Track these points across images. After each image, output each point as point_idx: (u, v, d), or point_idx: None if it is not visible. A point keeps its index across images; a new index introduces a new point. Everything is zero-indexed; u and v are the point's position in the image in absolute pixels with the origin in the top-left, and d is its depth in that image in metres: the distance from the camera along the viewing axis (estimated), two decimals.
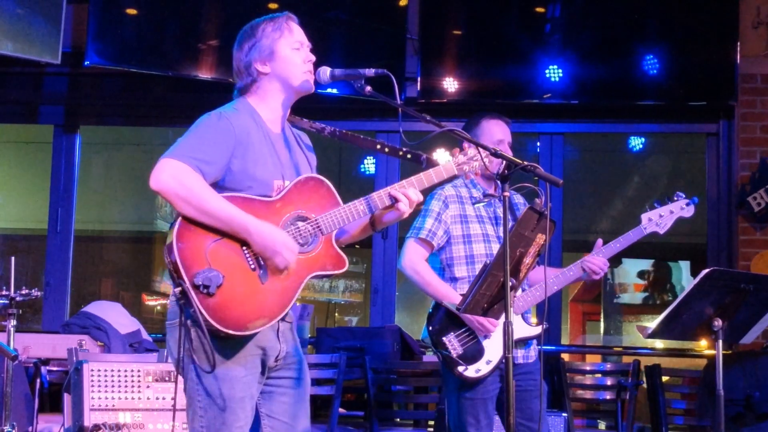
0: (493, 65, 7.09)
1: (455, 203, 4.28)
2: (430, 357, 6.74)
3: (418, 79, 6.92)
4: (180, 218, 3.04)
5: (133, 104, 7.48)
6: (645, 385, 6.00)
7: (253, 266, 3.08)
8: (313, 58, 3.30)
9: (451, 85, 6.96)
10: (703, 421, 5.75)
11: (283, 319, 3.22)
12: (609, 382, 5.90)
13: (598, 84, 6.95)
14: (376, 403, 5.83)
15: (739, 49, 6.74)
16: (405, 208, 3.24)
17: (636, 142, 7.78)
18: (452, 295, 4.17)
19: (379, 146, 3.42)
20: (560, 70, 6.89)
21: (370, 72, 3.23)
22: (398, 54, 6.94)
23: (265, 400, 3.24)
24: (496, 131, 4.34)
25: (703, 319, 4.00)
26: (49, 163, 7.36)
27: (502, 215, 4.33)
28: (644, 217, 4.35)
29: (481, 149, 3.31)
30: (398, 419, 6.26)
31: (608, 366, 6.31)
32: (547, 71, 6.90)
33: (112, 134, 9.49)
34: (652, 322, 4.10)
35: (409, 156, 3.34)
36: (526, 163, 3.19)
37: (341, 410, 6.00)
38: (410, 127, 6.13)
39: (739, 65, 6.73)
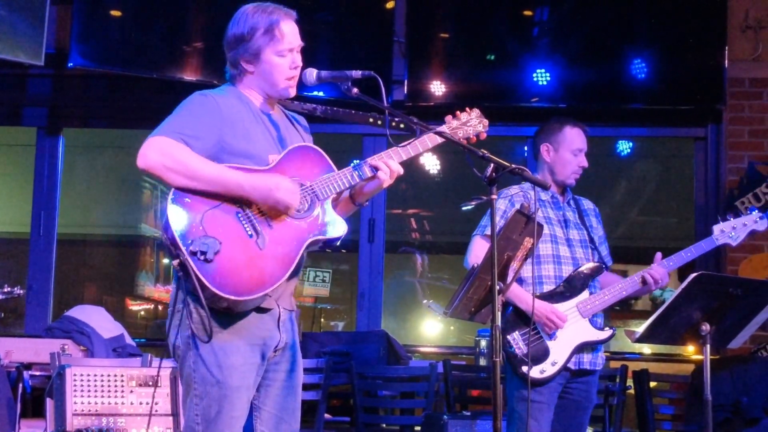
0: (481, 68, 7.10)
1: (521, 203, 4.24)
2: (416, 362, 6.74)
3: (405, 81, 6.92)
4: (172, 191, 3.03)
5: (117, 106, 7.46)
6: (633, 391, 6.01)
7: (250, 233, 3.07)
8: (300, 63, 3.29)
9: (438, 88, 6.96)
10: (690, 427, 5.76)
11: (285, 308, 3.22)
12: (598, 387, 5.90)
13: (586, 88, 6.97)
14: (362, 409, 5.82)
15: (727, 53, 6.77)
16: (384, 177, 3.22)
17: (624, 146, 7.80)
18: (520, 293, 4.17)
19: (371, 119, 3.41)
20: (548, 74, 6.91)
21: (357, 74, 3.22)
22: (385, 56, 6.94)
23: (258, 392, 3.23)
24: (578, 141, 4.42)
25: (691, 323, 4.00)
26: (32, 165, 7.34)
27: (570, 218, 4.39)
28: (716, 228, 4.42)
29: (471, 113, 3.33)
30: (384, 425, 6.26)
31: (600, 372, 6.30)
32: (534, 75, 6.91)
33: (96, 137, 9.46)
34: (640, 327, 4.11)
35: (402, 126, 3.33)
36: (514, 166, 3.20)
37: (327, 416, 6.00)
38: (397, 130, 6.11)
39: (728, 69, 6.75)
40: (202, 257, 2.95)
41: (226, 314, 3.07)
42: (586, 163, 4.42)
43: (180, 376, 3.16)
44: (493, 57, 7.03)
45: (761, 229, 4.44)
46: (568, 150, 4.39)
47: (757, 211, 4.48)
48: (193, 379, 3.09)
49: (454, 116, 3.38)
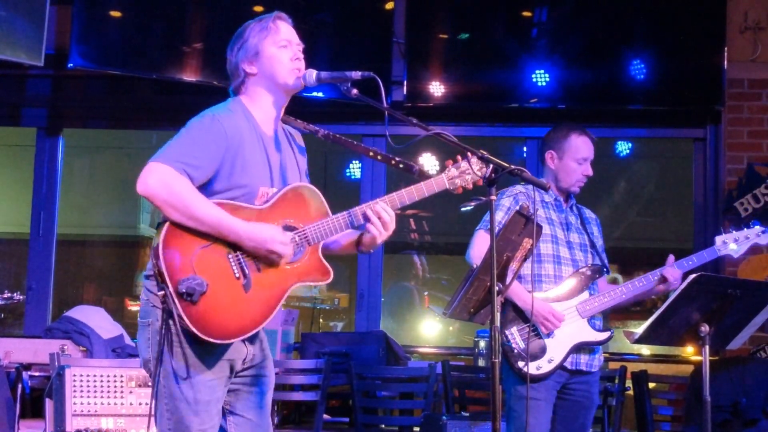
0: (480, 69, 7.09)
1: (525, 202, 4.23)
2: (415, 363, 6.74)
3: (405, 82, 6.91)
4: (167, 223, 3.04)
5: (117, 107, 7.46)
6: (632, 392, 6.01)
7: (237, 275, 3.08)
8: (301, 56, 3.29)
9: (437, 89, 6.96)
10: (690, 428, 5.75)
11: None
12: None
13: (585, 88, 6.96)
14: (361, 409, 5.81)
15: (726, 54, 6.76)
16: (375, 232, 3.20)
17: (623, 147, 7.79)
18: (519, 291, 4.18)
19: (371, 153, 3.39)
20: (547, 75, 6.90)
21: (357, 75, 3.22)
22: (385, 57, 6.94)
23: (229, 398, 3.25)
24: (583, 149, 4.41)
25: (690, 324, 4.00)
26: (32, 166, 7.33)
27: (572, 222, 4.39)
28: (719, 239, 4.46)
29: (471, 159, 3.26)
30: (383, 425, 6.25)
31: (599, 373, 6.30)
32: (533, 76, 6.91)
33: (95, 137, 9.46)
34: (639, 328, 4.11)
35: (401, 166, 3.32)
36: (513, 166, 3.20)
37: (326, 416, 5.99)
38: (396, 131, 6.11)
39: (727, 70, 6.75)
40: (188, 299, 2.97)
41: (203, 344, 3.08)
42: (590, 172, 4.42)
43: (152, 389, 3.16)
44: (491, 58, 7.02)
45: (763, 243, 4.50)
46: (573, 159, 4.39)
47: (759, 225, 4.52)
48: (164, 395, 3.11)
49: (455, 162, 3.31)
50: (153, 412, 3.15)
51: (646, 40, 6.96)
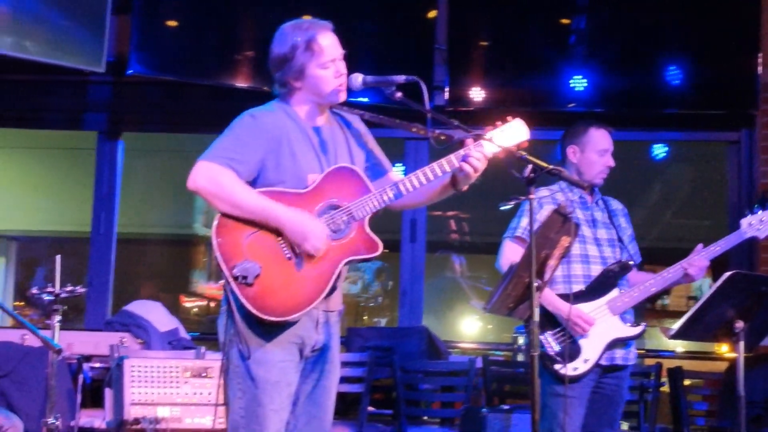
0: (520, 75, 7.06)
1: (549, 205, 4.19)
2: (456, 357, 6.72)
3: (446, 88, 6.91)
4: (218, 216, 3.13)
5: (173, 112, 7.50)
6: (667, 387, 5.94)
7: (288, 255, 3.13)
8: (344, 70, 3.31)
9: (478, 93, 6.94)
10: (723, 423, 5.69)
11: (326, 310, 3.25)
12: (632, 383, 5.84)
13: (621, 93, 6.91)
14: (404, 401, 5.81)
15: (760, 58, 6.66)
16: (469, 170, 3.21)
17: (658, 150, 7.71)
18: (548, 295, 4.13)
19: (414, 129, 3.41)
20: (585, 80, 6.86)
21: (401, 79, 3.26)
22: (427, 64, 6.92)
23: (297, 385, 3.26)
24: (602, 141, 4.38)
25: (724, 321, 3.95)
26: (93, 168, 7.40)
27: (599, 217, 4.35)
28: (744, 221, 4.34)
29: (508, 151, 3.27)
30: (426, 417, 6.24)
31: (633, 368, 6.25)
32: (571, 81, 6.86)
33: (153, 141, 9.54)
34: (675, 324, 4.06)
35: (443, 137, 3.31)
36: (551, 166, 3.18)
37: (370, 408, 5.99)
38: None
39: (761, 74, 6.64)
40: (243, 281, 3.05)
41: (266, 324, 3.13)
42: (612, 162, 4.38)
43: (225, 372, 3.21)
44: (531, 64, 6.99)
45: None
46: (594, 150, 4.36)
47: None
48: (236, 374, 3.16)
49: (495, 126, 3.33)
50: (224, 393, 3.21)
51: (681, 46, 6.88)
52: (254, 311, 3.06)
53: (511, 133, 3.31)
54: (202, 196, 3.14)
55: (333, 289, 3.20)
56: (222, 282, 3.11)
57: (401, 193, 3.24)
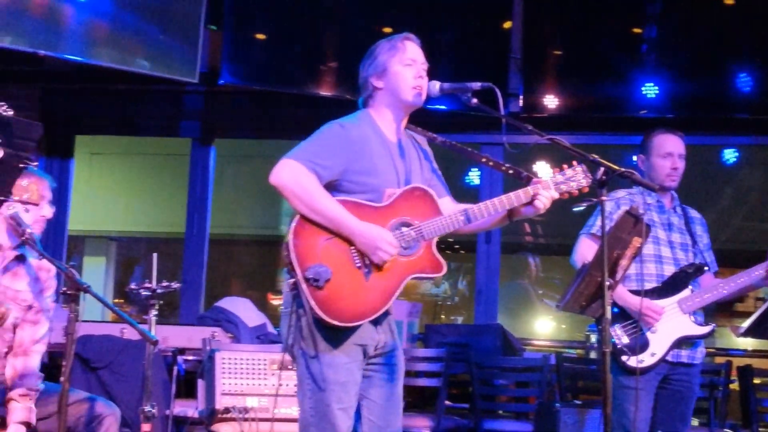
0: (592, 82, 7.02)
1: (627, 206, 4.16)
2: (530, 354, 6.69)
3: (521, 95, 6.90)
4: (297, 217, 3.13)
5: (261, 119, 7.61)
6: (737, 385, 5.83)
7: (358, 264, 3.13)
8: (425, 75, 3.32)
9: (551, 101, 6.92)
10: None
11: (383, 314, 3.26)
12: (702, 381, 5.75)
13: (692, 99, 6.82)
14: (479, 396, 5.81)
15: None
16: (539, 205, 3.26)
17: (729, 155, 7.58)
18: (620, 291, 4.12)
19: (484, 159, 3.42)
20: (656, 87, 6.79)
21: (476, 85, 3.25)
22: (502, 72, 6.94)
23: (363, 383, 3.27)
24: (666, 144, 4.34)
25: None
26: (187, 173, 7.53)
27: (675, 222, 4.32)
28: None
29: (577, 168, 3.28)
30: (501, 411, 6.23)
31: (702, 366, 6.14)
32: (643, 88, 6.82)
33: (242, 147, 9.69)
34: (745, 322, 3.99)
35: (511, 172, 3.33)
36: (623, 169, 3.17)
37: (447, 402, 6.00)
38: (512, 139, 6.06)
39: None
40: (314, 284, 3.04)
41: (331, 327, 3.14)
42: (678, 165, 4.32)
43: (297, 373, 3.22)
44: (603, 72, 6.93)
45: None
46: (657, 154, 4.32)
47: None
48: (306, 375, 3.16)
49: (561, 170, 3.34)
50: (298, 395, 3.19)
51: (751, 53, 6.76)
52: (320, 314, 3.05)
53: (575, 178, 3.31)
54: (281, 191, 3.12)
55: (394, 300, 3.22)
56: (291, 281, 3.09)
57: (470, 219, 3.25)
